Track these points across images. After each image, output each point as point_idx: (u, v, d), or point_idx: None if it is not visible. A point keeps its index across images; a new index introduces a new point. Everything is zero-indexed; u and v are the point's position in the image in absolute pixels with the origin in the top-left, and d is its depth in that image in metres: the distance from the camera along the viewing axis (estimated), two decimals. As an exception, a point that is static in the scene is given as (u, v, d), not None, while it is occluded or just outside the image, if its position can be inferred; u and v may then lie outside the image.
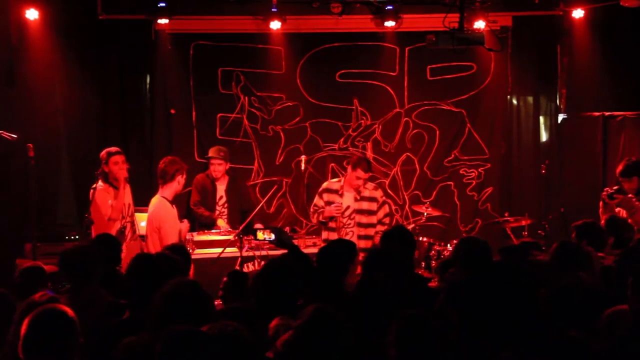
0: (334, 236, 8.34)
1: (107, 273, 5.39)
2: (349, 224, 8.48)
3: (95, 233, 7.56)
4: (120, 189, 7.81)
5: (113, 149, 7.94)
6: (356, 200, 8.49)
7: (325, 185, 8.72)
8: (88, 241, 6.23)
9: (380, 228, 8.39)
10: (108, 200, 7.75)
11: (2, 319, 3.61)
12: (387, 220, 8.64)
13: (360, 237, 8.38)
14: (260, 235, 7.41)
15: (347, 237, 8.16)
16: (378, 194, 8.62)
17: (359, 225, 8.46)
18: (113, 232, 7.49)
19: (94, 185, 7.74)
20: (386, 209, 8.65)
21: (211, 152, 9.05)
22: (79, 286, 4.99)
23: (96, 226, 7.58)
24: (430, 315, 3.60)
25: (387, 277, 4.48)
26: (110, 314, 4.59)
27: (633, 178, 8.04)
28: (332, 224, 8.52)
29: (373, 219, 8.49)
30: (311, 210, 8.76)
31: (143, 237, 8.16)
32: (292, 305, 4.41)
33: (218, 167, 8.93)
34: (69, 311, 3.54)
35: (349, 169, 8.52)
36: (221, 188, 9.00)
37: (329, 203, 8.49)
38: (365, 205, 8.51)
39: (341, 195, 8.50)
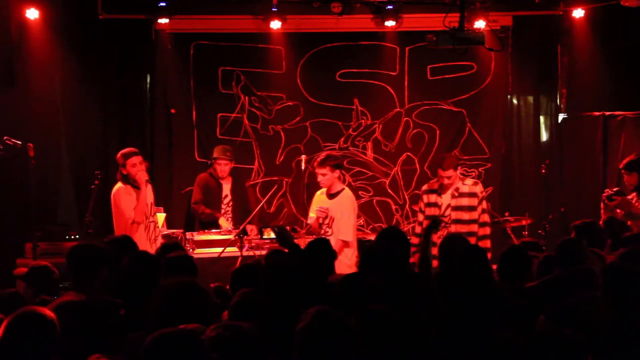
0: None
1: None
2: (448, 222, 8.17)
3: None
4: (141, 191, 7.62)
5: (128, 150, 7.76)
6: (454, 197, 8.20)
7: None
8: (105, 241, 6.02)
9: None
10: (131, 201, 7.60)
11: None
12: (485, 217, 8.25)
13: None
14: (265, 234, 7.51)
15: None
16: (478, 189, 8.28)
17: (459, 222, 8.12)
18: (136, 235, 7.29)
19: (115, 186, 7.67)
20: (483, 204, 8.28)
21: (217, 153, 8.95)
22: (82, 284, 4.93)
23: (118, 230, 7.45)
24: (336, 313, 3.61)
25: (369, 275, 4.52)
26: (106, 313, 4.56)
27: (633, 173, 8.08)
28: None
29: (475, 215, 8.18)
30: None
31: (169, 236, 8.21)
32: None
33: (225, 167, 8.87)
34: (49, 313, 3.53)
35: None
36: (226, 187, 8.97)
37: (429, 205, 8.31)
38: (465, 201, 8.22)
39: (440, 195, 8.24)
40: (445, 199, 8.21)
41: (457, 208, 8.17)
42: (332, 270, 5.53)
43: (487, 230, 8.21)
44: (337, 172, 8.05)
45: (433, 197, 8.29)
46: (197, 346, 3.32)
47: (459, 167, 8.38)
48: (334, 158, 8.12)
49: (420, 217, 8.38)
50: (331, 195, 8.09)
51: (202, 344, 3.37)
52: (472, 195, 8.21)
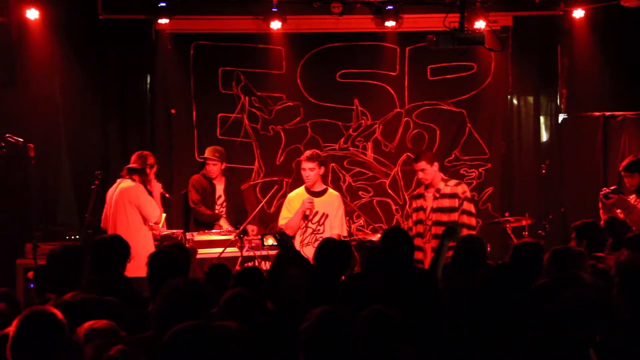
0: (418, 242, 7.94)
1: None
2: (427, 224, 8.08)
3: (152, 233, 7.90)
4: (156, 194, 8.07)
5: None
6: (435, 198, 8.14)
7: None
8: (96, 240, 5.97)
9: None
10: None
11: (10, 318, 3.63)
12: (465, 219, 8.05)
13: (437, 236, 7.70)
14: (267, 241, 7.58)
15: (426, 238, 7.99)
16: (460, 189, 8.15)
17: (438, 224, 7.97)
18: (147, 234, 7.81)
19: (124, 182, 7.94)
20: (465, 206, 8.09)
21: (207, 153, 9.05)
22: (64, 288, 4.92)
23: (134, 227, 7.74)
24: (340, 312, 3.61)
25: (369, 275, 4.51)
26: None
27: (635, 174, 8.04)
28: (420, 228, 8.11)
29: (454, 217, 8.03)
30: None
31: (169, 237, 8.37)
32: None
33: (213, 167, 8.94)
34: (59, 313, 3.55)
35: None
36: (220, 187, 9.03)
37: (416, 210, 8.31)
38: (446, 202, 8.12)
39: (425, 199, 8.18)
40: (429, 201, 8.18)
41: (437, 210, 8.11)
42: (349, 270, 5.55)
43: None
44: (322, 169, 8.19)
45: (419, 202, 8.29)
46: (219, 341, 3.31)
47: (436, 163, 8.25)
48: (320, 155, 8.30)
49: (410, 221, 8.42)
50: (316, 194, 8.20)
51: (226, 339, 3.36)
52: (452, 196, 8.11)
